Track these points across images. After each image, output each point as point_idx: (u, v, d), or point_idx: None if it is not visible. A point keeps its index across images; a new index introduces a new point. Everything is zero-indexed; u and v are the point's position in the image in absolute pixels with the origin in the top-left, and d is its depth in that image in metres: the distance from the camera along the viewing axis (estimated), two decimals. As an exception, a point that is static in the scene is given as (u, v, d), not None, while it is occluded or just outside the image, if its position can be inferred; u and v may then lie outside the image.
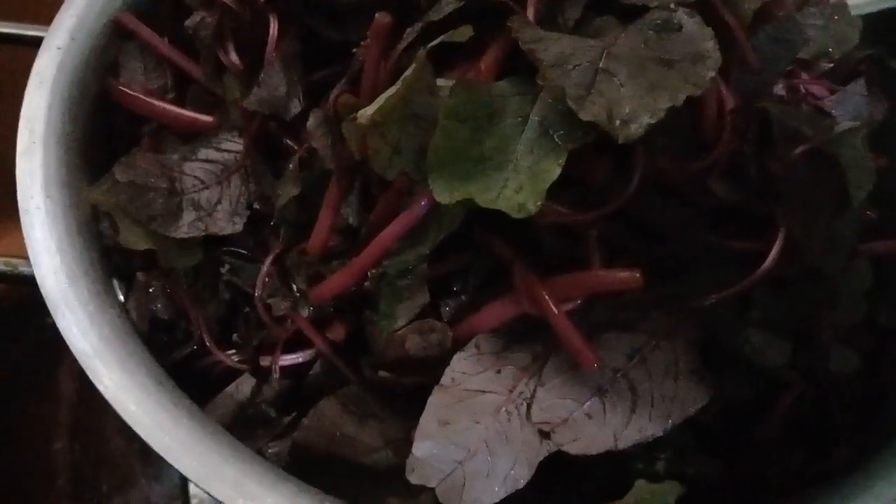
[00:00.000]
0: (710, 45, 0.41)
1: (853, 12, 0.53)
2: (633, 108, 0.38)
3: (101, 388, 0.43)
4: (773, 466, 0.50)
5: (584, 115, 0.37)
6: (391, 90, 0.40)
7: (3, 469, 0.74)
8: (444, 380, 0.43)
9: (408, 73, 0.40)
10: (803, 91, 0.52)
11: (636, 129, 0.37)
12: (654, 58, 0.40)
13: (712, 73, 0.39)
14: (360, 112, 0.40)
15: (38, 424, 0.76)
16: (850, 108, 0.52)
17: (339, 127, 0.43)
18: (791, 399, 0.48)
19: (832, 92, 0.53)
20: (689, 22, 0.42)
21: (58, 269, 0.47)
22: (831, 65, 0.53)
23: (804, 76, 0.53)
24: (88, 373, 0.44)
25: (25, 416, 0.77)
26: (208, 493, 0.42)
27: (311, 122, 0.46)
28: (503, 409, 0.43)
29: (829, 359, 0.48)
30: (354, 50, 0.46)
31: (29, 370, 0.78)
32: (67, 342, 0.45)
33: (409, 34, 0.43)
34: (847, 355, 0.49)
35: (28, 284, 0.49)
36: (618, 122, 0.37)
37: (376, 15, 0.43)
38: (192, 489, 0.74)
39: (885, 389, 0.53)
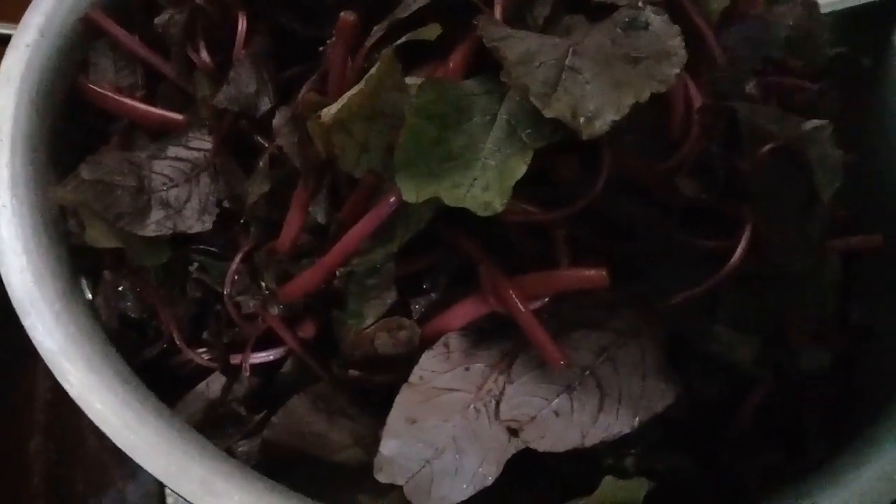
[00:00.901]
0: (676, 42, 0.41)
1: (823, 10, 0.53)
2: (597, 105, 0.38)
3: (66, 386, 0.43)
4: (746, 463, 0.50)
5: (549, 113, 0.37)
6: (355, 89, 0.40)
7: (-24, 469, 0.74)
8: (413, 378, 0.43)
9: (372, 71, 0.39)
10: (773, 89, 0.52)
11: (601, 125, 0.37)
12: (620, 55, 0.40)
13: (677, 70, 0.39)
14: (324, 111, 0.40)
15: (13, 424, 0.76)
16: (819, 106, 0.52)
17: (305, 125, 0.43)
18: (760, 397, 0.48)
19: (802, 90, 0.53)
20: (656, 20, 0.42)
21: (24, 269, 0.47)
22: (801, 63, 0.54)
23: (774, 74, 0.53)
24: (54, 371, 0.44)
25: (0, 416, 0.76)
26: (176, 492, 0.42)
27: (278, 119, 0.46)
28: (471, 406, 0.43)
29: (798, 357, 0.48)
30: (321, 48, 0.45)
31: (3, 369, 0.78)
32: (33, 340, 0.44)
33: (376, 32, 0.43)
34: (817, 353, 0.50)
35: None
36: (582, 120, 0.37)
37: (341, 13, 0.42)
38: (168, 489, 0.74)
39: (858, 386, 0.53)
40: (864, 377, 0.53)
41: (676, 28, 0.42)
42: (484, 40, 0.40)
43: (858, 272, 0.53)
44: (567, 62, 0.39)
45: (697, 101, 0.44)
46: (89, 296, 0.52)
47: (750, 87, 0.51)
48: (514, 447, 0.42)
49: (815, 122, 0.46)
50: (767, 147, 0.44)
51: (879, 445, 0.44)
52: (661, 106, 0.43)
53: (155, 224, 0.49)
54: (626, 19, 0.43)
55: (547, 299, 0.43)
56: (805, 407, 0.51)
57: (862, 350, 0.54)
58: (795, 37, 0.53)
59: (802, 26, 0.53)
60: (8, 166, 0.49)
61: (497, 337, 0.45)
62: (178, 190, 0.50)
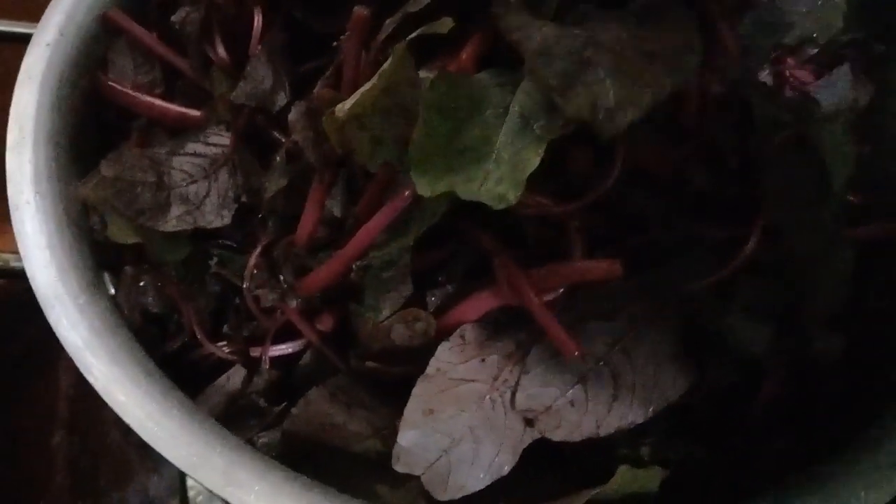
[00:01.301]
0: (693, 33, 0.41)
1: (837, -3, 0.53)
2: (617, 101, 0.37)
3: (90, 379, 0.44)
4: (759, 450, 0.50)
5: (569, 109, 0.37)
6: (369, 84, 0.40)
7: (2, 463, 0.75)
8: (429, 369, 0.44)
9: (385, 66, 0.40)
10: (788, 77, 0.52)
11: (620, 122, 0.37)
12: (637, 48, 0.40)
13: (695, 64, 0.39)
14: (339, 106, 0.40)
15: (37, 418, 0.77)
16: (834, 93, 0.52)
17: (320, 120, 0.43)
18: (774, 384, 0.48)
19: (818, 77, 0.53)
20: (672, 10, 0.42)
21: (48, 264, 0.47)
22: (815, 49, 0.53)
23: (790, 62, 0.53)
24: (78, 364, 0.44)
25: (24, 411, 0.78)
26: (198, 482, 0.42)
27: (293, 115, 0.46)
28: (487, 397, 0.43)
29: (812, 343, 0.48)
30: (335, 43, 0.46)
31: (27, 364, 0.79)
32: (57, 335, 0.45)
33: (388, 26, 0.44)
34: (831, 340, 0.49)
35: (21, 279, 0.49)
36: (601, 116, 0.37)
37: (354, 8, 0.43)
38: (190, 481, 0.75)
39: (871, 373, 0.53)
40: (879, 364, 0.53)
41: (693, 18, 0.41)
42: (502, 28, 0.40)
43: (875, 258, 0.52)
44: (585, 54, 0.39)
45: (711, 90, 0.44)
46: (112, 290, 0.52)
47: (763, 74, 0.50)
48: (529, 437, 0.42)
49: (828, 110, 0.45)
50: (781, 135, 0.44)
51: (893, 432, 0.44)
52: (675, 95, 0.43)
53: (175, 219, 0.50)
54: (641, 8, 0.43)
55: (561, 291, 0.43)
56: (818, 393, 0.51)
57: (877, 336, 0.54)
58: (809, 23, 0.53)
59: (816, 12, 0.53)
60: (31, 163, 0.50)
61: (512, 328, 0.45)
62: (197, 185, 0.51)
